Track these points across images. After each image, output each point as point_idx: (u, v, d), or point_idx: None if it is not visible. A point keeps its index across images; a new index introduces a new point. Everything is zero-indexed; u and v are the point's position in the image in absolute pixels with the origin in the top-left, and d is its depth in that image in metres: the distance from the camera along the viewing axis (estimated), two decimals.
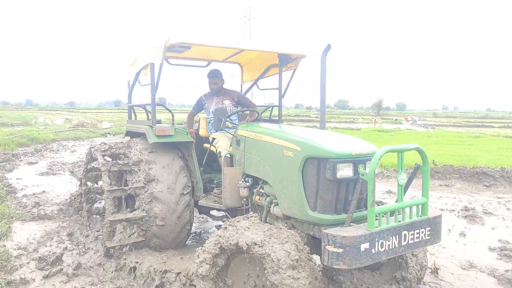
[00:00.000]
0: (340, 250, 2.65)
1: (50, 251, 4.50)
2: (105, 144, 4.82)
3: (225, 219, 4.91)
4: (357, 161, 3.16)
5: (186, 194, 4.45)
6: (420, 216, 3.10)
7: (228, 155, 4.38)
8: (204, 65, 6.05)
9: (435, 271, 4.26)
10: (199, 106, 5.42)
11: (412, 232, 2.99)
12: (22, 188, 8.11)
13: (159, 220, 4.27)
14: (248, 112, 5.24)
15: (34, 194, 7.65)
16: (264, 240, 2.87)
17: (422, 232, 3.06)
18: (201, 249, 3.19)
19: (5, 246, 4.73)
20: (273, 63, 5.49)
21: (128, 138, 5.30)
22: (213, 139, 4.94)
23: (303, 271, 2.77)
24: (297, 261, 2.77)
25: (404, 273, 3.48)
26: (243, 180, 4.06)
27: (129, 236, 4.57)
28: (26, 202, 6.95)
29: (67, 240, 5.10)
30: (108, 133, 22.39)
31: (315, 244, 3.43)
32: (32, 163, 11.48)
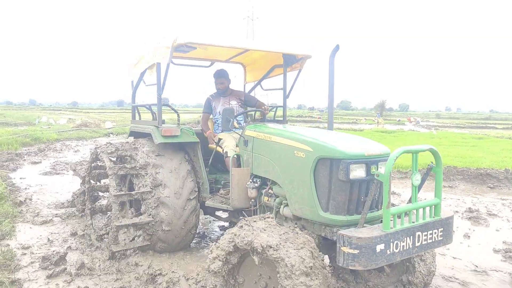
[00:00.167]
0: (356, 251, 2.62)
1: (53, 251, 4.47)
2: (111, 145, 4.77)
3: (229, 220, 4.87)
4: (370, 162, 3.13)
5: (192, 199, 4.42)
6: (433, 217, 3.07)
7: (235, 156, 4.33)
8: (207, 65, 6.02)
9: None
10: (209, 108, 5.33)
11: (426, 233, 2.96)
12: (25, 188, 8.08)
13: (165, 225, 4.23)
14: (251, 112, 5.21)
15: (37, 193, 7.62)
16: (280, 244, 2.83)
17: (435, 233, 3.03)
18: (215, 245, 3.15)
19: (9, 245, 4.70)
20: (277, 64, 5.45)
21: (131, 138, 5.26)
22: (219, 139, 4.90)
23: (316, 278, 2.73)
24: (311, 268, 2.73)
25: (411, 277, 3.45)
26: (251, 180, 4.02)
27: (134, 239, 4.53)
28: (29, 202, 6.91)
29: (70, 240, 5.07)
30: (111, 133, 22.41)
31: (326, 244, 3.39)
32: (35, 163, 11.47)
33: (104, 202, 5.60)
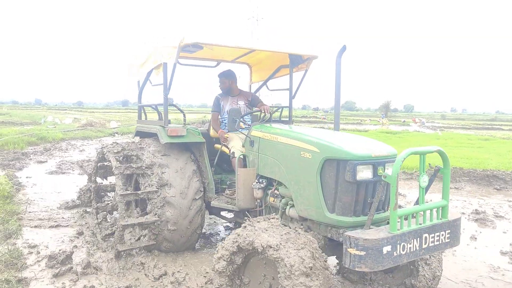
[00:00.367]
0: (363, 253, 2.61)
1: (60, 250, 4.49)
2: (118, 144, 4.79)
3: (234, 221, 4.87)
4: (377, 163, 3.11)
5: (198, 199, 4.42)
6: (441, 219, 3.05)
7: (241, 156, 4.33)
8: (213, 65, 6.02)
9: None
10: (218, 106, 5.32)
11: (433, 235, 2.94)
12: (32, 187, 8.13)
13: (171, 224, 4.24)
14: (258, 112, 5.22)
15: (44, 192, 7.66)
16: (280, 244, 2.83)
17: (442, 235, 3.01)
18: (220, 245, 3.18)
19: (15, 244, 4.73)
20: (283, 64, 5.44)
21: (137, 138, 5.27)
22: (225, 138, 4.91)
23: (317, 279, 2.71)
24: (311, 269, 2.72)
25: (414, 281, 3.43)
26: (257, 181, 4.02)
27: (139, 238, 4.55)
28: (36, 200, 6.96)
29: (76, 239, 5.09)
30: (116, 133, 22.49)
31: (331, 246, 3.38)
32: (41, 162, 11.54)
33: (110, 202, 5.61)
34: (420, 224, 2.90)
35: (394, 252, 2.70)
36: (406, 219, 2.87)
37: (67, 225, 5.67)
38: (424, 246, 2.88)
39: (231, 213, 4.85)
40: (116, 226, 4.54)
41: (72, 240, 5.06)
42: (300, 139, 3.51)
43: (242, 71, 6.31)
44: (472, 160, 11.60)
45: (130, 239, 4.67)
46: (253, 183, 4.02)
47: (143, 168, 4.41)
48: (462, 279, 4.17)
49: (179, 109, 4.96)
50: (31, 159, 12.03)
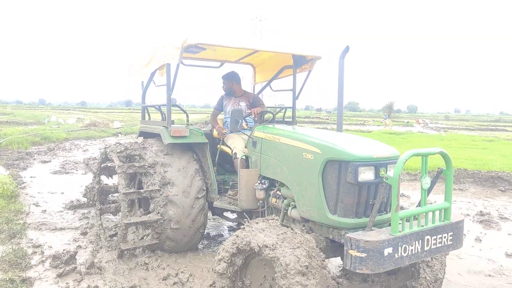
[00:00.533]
0: (363, 255, 2.61)
1: (64, 250, 4.51)
2: (121, 144, 4.82)
3: (237, 221, 4.89)
4: (379, 164, 3.11)
5: (200, 197, 4.44)
6: (443, 221, 3.04)
7: (244, 157, 4.34)
8: (217, 66, 6.04)
9: None
10: (221, 105, 5.42)
11: (435, 237, 2.93)
12: (36, 186, 8.17)
13: (174, 223, 4.26)
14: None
15: (48, 192, 7.70)
16: (276, 243, 2.84)
17: (445, 237, 3.01)
18: (221, 247, 3.21)
19: (20, 243, 4.76)
20: (287, 64, 5.45)
21: (141, 138, 5.30)
22: (227, 139, 4.92)
23: (313, 278, 2.72)
24: (306, 268, 2.72)
25: (415, 283, 3.42)
26: (259, 182, 4.03)
27: (142, 238, 4.57)
28: (40, 200, 6.99)
29: (80, 239, 5.12)
30: (120, 133, 22.56)
31: (333, 247, 3.38)
32: (45, 162, 11.59)
33: (114, 203, 5.64)
34: (422, 226, 2.90)
35: (396, 254, 2.69)
36: (408, 221, 2.86)
37: (71, 225, 5.69)
38: (426, 248, 2.88)
39: (234, 214, 4.85)
40: (119, 224, 4.55)
41: (76, 240, 5.09)
42: (302, 140, 3.52)
43: (245, 72, 6.32)
44: (476, 161, 11.55)
45: (133, 239, 4.69)
46: (256, 184, 4.03)
47: (146, 167, 4.43)
48: (466, 282, 4.16)
49: (182, 110, 4.98)
50: (35, 159, 12.09)
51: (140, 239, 4.57)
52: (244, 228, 3.16)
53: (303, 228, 3.46)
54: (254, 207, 4.12)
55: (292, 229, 3.31)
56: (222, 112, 5.47)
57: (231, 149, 4.75)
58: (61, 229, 5.53)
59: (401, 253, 2.72)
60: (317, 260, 2.86)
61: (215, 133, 5.28)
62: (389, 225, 2.88)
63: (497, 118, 76.39)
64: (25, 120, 29.02)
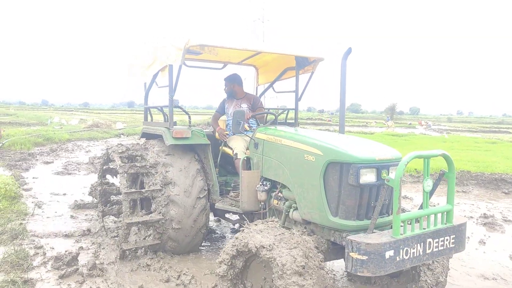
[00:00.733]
0: (365, 257, 2.60)
1: (66, 251, 4.51)
2: (122, 145, 4.83)
3: (238, 223, 4.88)
4: (381, 166, 3.10)
5: (202, 197, 4.44)
6: (445, 224, 3.03)
7: (245, 158, 4.34)
8: (220, 67, 6.05)
9: None
10: (222, 108, 5.46)
11: (437, 240, 2.92)
12: (38, 187, 8.19)
13: (175, 223, 4.26)
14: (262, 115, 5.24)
15: (50, 193, 7.71)
16: (273, 244, 2.85)
17: (447, 240, 2.99)
18: (222, 249, 3.23)
19: (22, 244, 4.76)
20: (290, 66, 5.45)
21: (143, 139, 5.31)
22: (229, 141, 4.93)
23: (310, 278, 2.71)
24: (303, 268, 2.72)
25: (415, 286, 3.39)
26: (261, 183, 4.02)
27: (144, 239, 4.57)
28: (42, 201, 7.01)
29: (82, 240, 5.12)
30: (122, 134, 22.62)
31: (335, 249, 3.37)
32: (48, 163, 11.63)
33: (116, 205, 5.65)
34: (424, 228, 2.88)
35: (397, 257, 2.68)
36: (409, 223, 2.85)
37: (73, 226, 5.70)
38: (428, 251, 2.87)
39: (236, 215, 4.85)
40: (120, 224, 4.56)
41: (78, 241, 5.09)
42: (303, 142, 3.51)
43: (248, 73, 6.33)
44: (479, 163, 11.50)
45: (135, 240, 4.69)
46: (257, 186, 4.03)
47: (147, 167, 4.44)
48: (470, 285, 4.13)
49: (184, 111, 4.98)
50: (37, 159, 12.13)
51: (142, 240, 4.57)
52: (243, 230, 3.17)
53: (305, 230, 3.45)
54: (256, 208, 4.11)
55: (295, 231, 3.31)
56: (224, 115, 5.49)
57: (231, 149, 4.75)
58: (63, 230, 5.52)
59: (402, 256, 2.71)
60: (314, 261, 2.85)
61: (217, 134, 5.29)
62: (391, 227, 2.86)
63: (500, 120, 76.14)
64: (28, 121, 29.13)
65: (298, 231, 3.39)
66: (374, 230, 2.92)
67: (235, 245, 3.09)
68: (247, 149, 4.57)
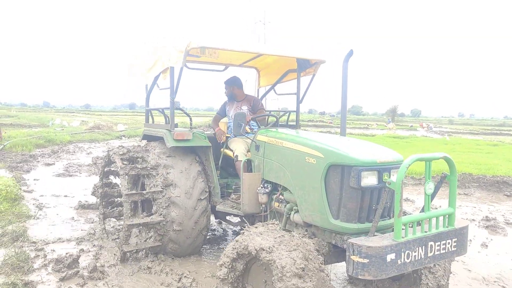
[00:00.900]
0: (366, 261, 2.58)
1: (66, 253, 4.51)
2: (123, 147, 4.83)
3: (239, 226, 4.87)
4: (382, 169, 3.09)
5: (203, 199, 4.43)
6: (447, 227, 3.01)
7: (246, 160, 4.34)
8: (221, 69, 6.05)
9: None
10: (223, 110, 5.48)
11: (439, 243, 2.90)
12: (39, 189, 8.19)
13: (176, 225, 4.25)
14: (264, 117, 5.23)
15: (51, 195, 7.72)
16: (273, 246, 2.84)
17: (449, 243, 2.97)
18: (223, 252, 3.22)
19: (23, 246, 4.75)
20: (291, 68, 5.45)
21: (145, 141, 5.31)
22: (230, 143, 4.93)
23: (310, 281, 2.70)
24: (303, 270, 2.70)
25: None
26: (262, 186, 4.02)
27: (145, 240, 4.56)
28: (43, 203, 7.01)
29: (83, 242, 5.11)
30: (123, 136, 22.64)
31: (336, 252, 3.36)
32: (49, 164, 11.64)
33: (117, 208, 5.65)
34: (425, 232, 2.87)
35: (398, 260, 2.67)
36: (411, 226, 2.84)
37: (75, 229, 5.70)
38: (429, 254, 2.85)
39: (237, 218, 4.84)
40: (121, 226, 4.55)
41: (79, 243, 5.08)
42: (304, 144, 3.50)
43: (250, 75, 6.34)
44: (481, 165, 11.49)
45: (136, 243, 4.68)
46: (258, 188, 4.02)
47: (148, 169, 4.44)
48: None
49: (185, 113, 4.98)
50: (38, 161, 12.14)
51: (142, 242, 4.56)
52: (243, 233, 3.17)
53: (306, 233, 3.44)
54: (257, 211, 4.10)
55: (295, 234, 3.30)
56: (226, 117, 5.50)
57: (232, 151, 4.75)
58: (63, 232, 5.52)
59: (404, 259, 2.69)
60: (314, 263, 2.84)
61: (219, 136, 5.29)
62: (392, 230, 2.85)
63: (501, 122, 76.06)
64: (29, 122, 29.19)
65: (299, 233, 3.38)
66: (376, 233, 2.90)
67: (235, 248, 3.08)
68: (248, 151, 4.57)
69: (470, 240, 5.60)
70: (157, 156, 4.54)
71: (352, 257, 2.66)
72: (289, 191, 3.69)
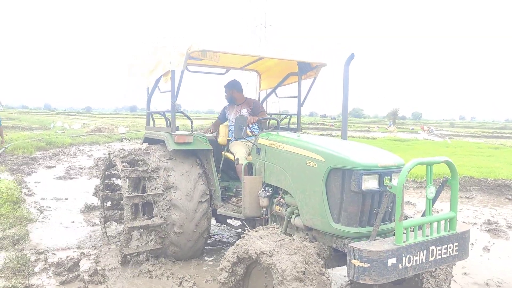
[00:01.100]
0: (367, 265, 2.58)
1: (67, 256, 4.50)
2: (124, 150, 4.84)
3: (240, 229, 4.86)
4: (383, 173, 3.09)
5: (204, 202, 4.43)
6: (448, 231, 3.00)
7: (246, 164, 4.33)
8: (222, 72, 6.05)
9: None
10: (223, 114, 5.50)
11: (440, 247, 2.89)
12: (40, 192, 8.19)
13: (177, 227, 4.25)
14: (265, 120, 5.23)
15: (52, 198, 7.72)
16: (274, 250, 2.84)
17: (450, 247, 2.97)
18: (223, 256, 3.22)
19: (23, 250, 4.75)
20: (292, 71, 5.45)
21: (146, 144, 5.31)
22: (231, 146, 4.93)
23: (310, 284, 2.70)
24: (303, 274, 2.70)
25: None
26: (263, 189, 4.01)
27: (146, 243, 4.56)
28: (44, 206, 7.00)
29: (84, 246, 5.11)
30: (124, 138, 22.64)
31: (337, 256, 3.35)
32: (50, 167, 11.65)
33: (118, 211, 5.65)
34: (427, 236, 2.86)
35: (400, 265, 2.66)
36: (412, 230, 2.83)
37: (75, 232, 5.69)
38: (431, 258, 2.84)
39: (238, 221, 4.84)
40: (122, 229, 4.55)
41: (79, 247, 5.08)
42: (305, 148, 3.50)
43: (251, 78, 6.33)
44: (482, 169, 11.46)
45: (137, 246, 4.68)
46: (259, 191, 4.01)
47: (149, 171, 4.44)
48: None
49: (186, 116, 4.99)
50: (39, 164, 12.15)
51: (143, 245, 4.56)
52: (244, 237, 3.17)
53: (306, 236, 3.44)
54: (258, 214, 4.10)
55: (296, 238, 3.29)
56: (227, 121, 5.50)
57: (234, 155, 4.74)
58: (65, 235, 5.52)
59: (405, 263, 2.68)
60: (314, 266, 2.84)
61: (220, 139, 5.30)
62: (393, 234, 2.84)
63: (502, 126, 75.94)
64: (30, 125, 29.23)
65: (300, 237, 3.37)
66: (377, 237, 2.90)
67: (235, 252, 3.08)
68: (249, 154, 4.57)
69: (472, 244, 5.58)
70: (158, 158, 4.54)
71: (353, 261, 2.65)
72: (290, 194, 3.69)
